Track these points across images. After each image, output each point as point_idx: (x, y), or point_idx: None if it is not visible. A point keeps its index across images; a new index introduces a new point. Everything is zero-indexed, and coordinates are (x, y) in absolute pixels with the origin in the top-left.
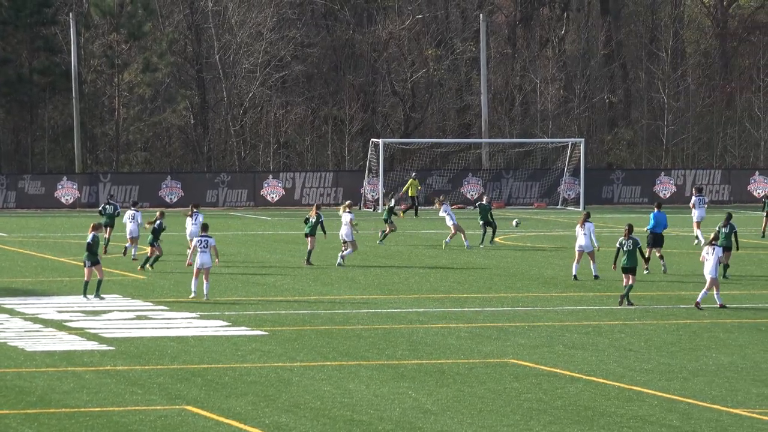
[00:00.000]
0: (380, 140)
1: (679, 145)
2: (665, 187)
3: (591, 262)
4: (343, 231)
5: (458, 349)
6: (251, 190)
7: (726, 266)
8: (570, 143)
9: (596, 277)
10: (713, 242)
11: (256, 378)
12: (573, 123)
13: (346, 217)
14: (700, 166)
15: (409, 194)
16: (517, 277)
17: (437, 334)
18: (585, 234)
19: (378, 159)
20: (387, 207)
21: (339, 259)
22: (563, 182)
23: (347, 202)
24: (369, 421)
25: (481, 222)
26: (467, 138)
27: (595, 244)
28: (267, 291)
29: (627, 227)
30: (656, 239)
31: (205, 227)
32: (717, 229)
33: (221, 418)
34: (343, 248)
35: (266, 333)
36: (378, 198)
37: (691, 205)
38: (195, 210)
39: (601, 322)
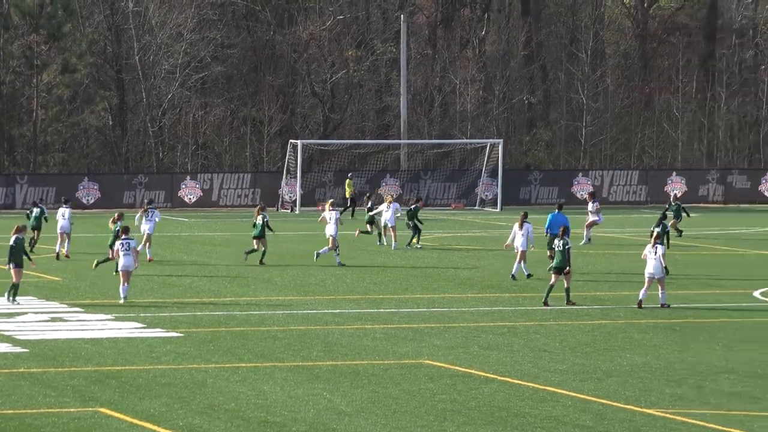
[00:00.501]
0: (299, 141)
1: (598, 146)
2: (583, 188)
3: (522, 261)
4: (331, 229)
5: (373, 350)
6: (169, 191)
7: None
8: (488, 144)
9: (529, 275)
10: (656, 242)
11: (170, 380)
12: (492, 124)
13: (331, 215)
14: (617, 167)
15: (346, 195)
16: (433, 278)
17: (352, 336)
18: (523, 234)
19: (296, 160)
20: (366, 208)
21: (337, 259)
22: (481, 183)
23: (330, 201)
24: (283, 422)
25: (410, 223)
26: (386, 139)
27: (531, 245)
28: (183, 292)
29: (561, 228)
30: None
31: (126, 230)
32: (652, 229)
33: (135, 420)
34: (329, 247)
35: (181, 334)
36: (296, 199)
37: (589, 210)
38: (150, 207)
39: (516, 322)
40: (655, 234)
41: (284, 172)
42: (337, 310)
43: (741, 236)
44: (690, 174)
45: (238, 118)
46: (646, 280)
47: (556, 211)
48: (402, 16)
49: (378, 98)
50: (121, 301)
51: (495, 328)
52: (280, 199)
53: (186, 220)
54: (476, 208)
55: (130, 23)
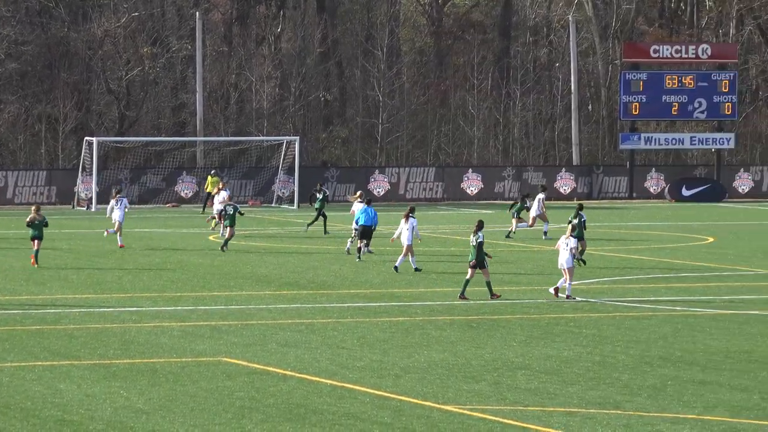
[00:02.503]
0: (94, 138)
1: (394, 143)
2: (379, 185)
3: (410, 255)
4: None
5: (171, 348)
6: None
7: (581, 253)
8: (285, 141)
9: (417, 269)
10: (571, 234)
11: None
12: (288, 121)
13: (357, 206)
14: (414, 164)
15: (207, 191)
16: (231, 275)
17: (150, 334)
18: (408, 229)
19: (92, 157)
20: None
21: (358, 253)
22: (278, 180)
23: (359, 192)
24: (80, 420)
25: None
26: (182, 136)
27: (418, 238)
28: None
29: (477, 223)
30: (364, 232)
31: None
32: (569, 219)
33: None
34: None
35: None
36: (92, 197)
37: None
38: (119, 195)
39: (314, 320)
40: (571, 225)
41: (80, 169)
42: (135, 308)
43: (537, 232)
44: (486, 171)
45: (33, 116)
46: (564, 270)
47: (365, 205)
48: (197, 13)
49: (174, 95)
50: None
51: (293, 325)
52: (76, 197)
53: None
54: (273, 205)
55: None
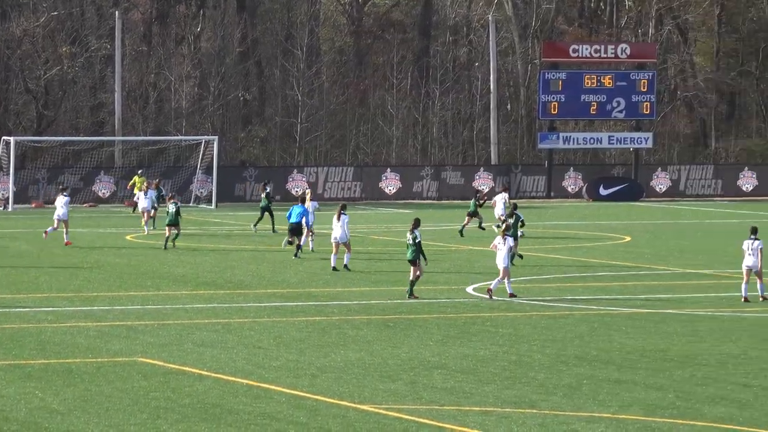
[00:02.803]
0: (11, 138)
1: (313, 143)
2: (298, 185)
3: (346, 252)
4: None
5: (87, 348)
6: None
7: (516, 254)
8: (203, 141)
9: (346, 267)
10: (505, 233)
11: None
12: (207, 120)
13: (311, 205)
14: (332, 164)
15: (135, 191)
16: (147, 275)
17: (66, 334)
18: (341, 226)
19: (9, 157)
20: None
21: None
22: (196, 180)
23: (308, 190)
24: None
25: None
26: (100, 136)
27: (347, 236)
28: None
29: (413, 221)
30: (294, 229)
31: None
32: (503, 219)
33: None
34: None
35: None
36: (8, 196)
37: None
38: (64, 193)
39: (231, 319)
40: (505, 225)
41: None
42: (51, 308)
43: (453, 232)
44: (404, 170)
45: None
46: (500, 270)
47: (299, 203)
48: (117, 12)
49: (92, 95)
50: None
51: (209, 325)
52: None
53: None
54: (191, 205)
55: None
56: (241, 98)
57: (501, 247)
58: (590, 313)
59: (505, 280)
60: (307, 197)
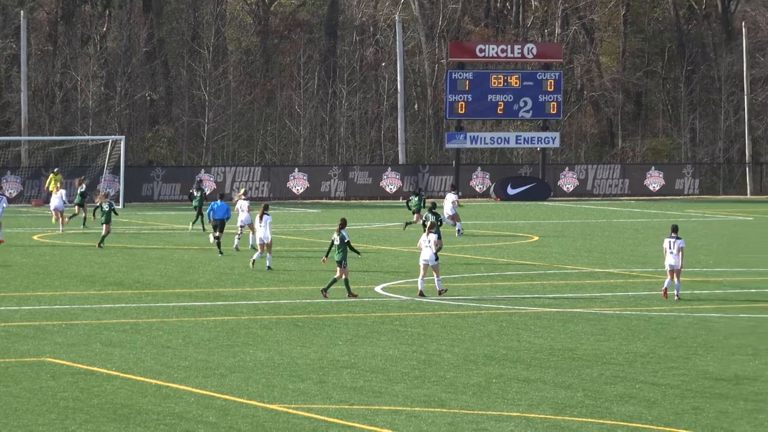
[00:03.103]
0: None
1: (220, 142)
2: (206, 184)
3: (267, 253)
4: (243, 217)
5: None
6: None
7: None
8: (110, 140)
9: (269, 268)
10: (431, 230)
11: None
12: (114, 120)
13: (243, 204)
14: (240, 163)
15: (50, 189)
16: (55, 275)
17: None
18: (263, 226)
19: None
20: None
21: (236, 241)
22: (103, 180)
23: (243, 190)
24: None
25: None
26: (6, 135)
27: (268, 236)
28: None
29: (340, 221)
30: (218, 224)
31: None
32: (425, 218)
33: None
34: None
35: None
36: None
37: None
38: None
39: (139, 319)
40: (429, 223)
41: None
42: None
43: (362, 231)
44: (312, 170)
45: None
46: (422, 267)
47: (219, 200)
48: (22, 11)
49: None
50: None
51: (118, 325)
52: None
53: None
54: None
55: None
56: (148, 98)
57: (426, 245)
58: (499, 312)
59: (435, 277)
60: (237, 196)
